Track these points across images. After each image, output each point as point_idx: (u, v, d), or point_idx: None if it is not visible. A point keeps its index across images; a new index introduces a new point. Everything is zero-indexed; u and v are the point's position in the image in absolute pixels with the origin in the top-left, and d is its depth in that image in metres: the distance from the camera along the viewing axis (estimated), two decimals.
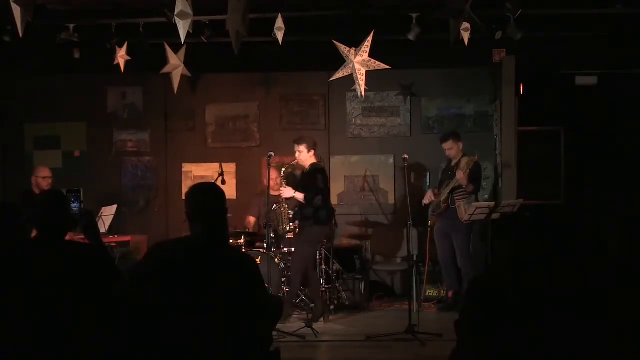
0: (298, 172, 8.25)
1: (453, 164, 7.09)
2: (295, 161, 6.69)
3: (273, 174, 7.32)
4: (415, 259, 6.99)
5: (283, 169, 6.71)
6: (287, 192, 6.58)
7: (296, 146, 6.62)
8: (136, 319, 2.95)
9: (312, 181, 6.53)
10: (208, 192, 3.15)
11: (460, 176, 6.76)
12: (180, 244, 3.11)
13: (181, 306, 2.88)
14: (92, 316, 3.06)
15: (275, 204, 6.78)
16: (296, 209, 6.73)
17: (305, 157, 6.59)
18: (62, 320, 3.01)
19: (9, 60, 7.85)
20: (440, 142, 7.19)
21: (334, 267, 7.22)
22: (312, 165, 6.62)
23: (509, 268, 2.78)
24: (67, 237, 3.35)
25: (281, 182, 6.71)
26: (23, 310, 3.02)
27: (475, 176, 6.92)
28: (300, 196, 6.50)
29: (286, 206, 6.76)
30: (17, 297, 3.03)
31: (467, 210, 6.72)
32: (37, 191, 7.10)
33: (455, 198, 6.93)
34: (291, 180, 8.12)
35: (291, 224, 6.75)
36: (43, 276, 3.05)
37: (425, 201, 7.26)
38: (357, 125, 8.21)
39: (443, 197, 7.00)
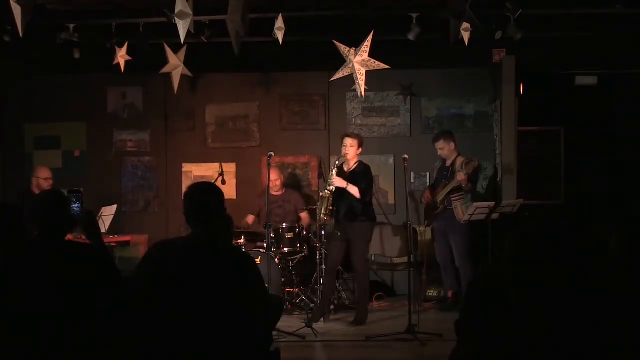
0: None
1: (448, 164, 7.08)
2: (345, 155, 6.48)
3: (273, 174, 7.30)
4: (415, 259, 6.98)
5: (337, 162, 6.52)
6: (339, 182, 6.36)
7: (349, 140, 6.48)
8: (137, 317, 2.95)
9: (365, 178, 6.48)
10: (205, 191, 3.16)
11: (462, 177, 6.75)
12: (181, 243, 3.12)
13: (181, 305, 2.88)
14: (93, 316, 3.06)
15: (326, 190, 6.45)
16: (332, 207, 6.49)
17: (354, 152, 6.50)
18: (62, 321, 3.01)
19: (9, 60, 7.85)
20: (432, 142, 7.18)
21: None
22: (361, 162, 6.57)
23: (508, 268, 2.78)
24: (68, 237, 3.35)
25: (331, 173, 6.44)
26: (23, 310, 3.02)
27: (472, 177, 6.91)
28: (354, 189, 6.36)
29: (331, 199, 6.47)
30: (17, 298, 3.03)
31: (467, 211, 6.71)
32: (36, 191, 7.09)
33: (452, 199, 6.93)
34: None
35: (327, 216, 6.50)
36: (43, 276, 3.05)
37: (424, 201, 7.28)
38: (357, 125, 8.21)
39: (440, 197, 6.99)
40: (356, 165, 6.54)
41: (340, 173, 6.49)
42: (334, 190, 6.39)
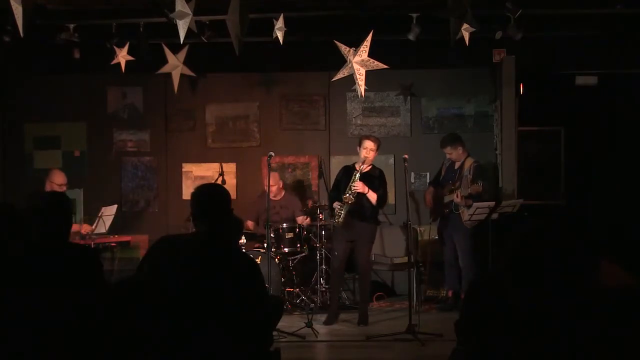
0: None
1: (457, 166, 7.07)
2: (365, 157, 6.36)
3: (272, 179, 7.25)
4: (415, 259, 6.98)
5: (359, 168, 6.37)
6: (362, 187, 6.30)
7: (372, 143, 6.37)
8: (137, 315, 2.96)
9: (383, 185, 6.50)
10: (212, 192, 3.18)
11: (458, 200, 6.78)
12: (185, 240, 3.13)
13: (181, 303, 2.89)
14: (93, 316, 3.06)
15: (350, 194, 6.31)
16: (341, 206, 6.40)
17: (373, 156, 6.43)
18: (63, 321, 3.02)
19: (9, 60, 7.85)
20: (440, 146, 7.15)
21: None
22: (377, 167, 6.56)
23: (508, 268, 2.78)
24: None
25: (354, 178, 6.32)
26: (23, 310, 3.02)
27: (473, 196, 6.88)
28: (373, 196, 6.36)
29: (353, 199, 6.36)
30: (18, 298, 3.04)
31: (468, 211, 6.72)
32: None
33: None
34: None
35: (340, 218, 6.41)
36: (47, 277, 3.06)
37: (427, 205, 7.29)
38: (357, 125, 8.21)
39: (445, 200, 7.00)
40: (371, 167, 6.48)
41: (353, 171, 6.44)
42: (356, 195, 6.34)
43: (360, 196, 6.36)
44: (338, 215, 6.40)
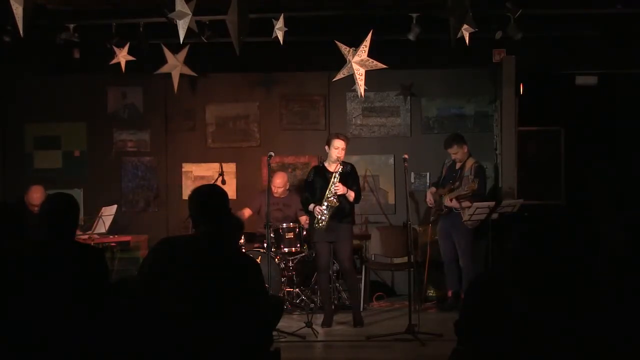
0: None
1: (458, 166, 7.07)
2: (338, 157, 6.31)
3: (280, 180, 7.25)
4: (415, 259, 6.98)
5: (339, 170, 6.31)
6: (342, 189, 6.27)
7: (344, 143, 6.35)
8: (138, 316, 2.96)
9: (357, 180, 6.50)
10: (210, 193, 3.19)
11: (450, 204, 6.79)
12: (185, 241, 3.14)
13: (182, 304, 2.89)
14: (94, 315, 3.07)
15: (334, 198, 6.27)
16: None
17: (344, 155, 6.40)
18: (65, 320, 3.02)
19: (9, 60, 7.85)
20: (445, 148, 7.10)
21: (334, 267, 7.21)
22: (348, 163, 6.51)
23: (508, 268, 2.78)
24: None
25: (334, 181, 6.27)
26: (24, 310, 3.02)
27: (479, 191, 6.87)
28: (351, 195, 6.34)
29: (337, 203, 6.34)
30: (19, 297, 3.04)
31: (467, 210, 6.72)
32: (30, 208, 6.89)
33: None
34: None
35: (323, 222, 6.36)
36: (58, 276, 3.07)
37: (429, 202, 7.27)
38: (357, 125, 8.21)
39: (445, 200, 6.99)
40: (343, 165, 6.42)
41: (326, 172, 6.44)
42: (337, 196, 6.30)
43: (340, 197, 6.34)
44: (321, 220, 6.33)
